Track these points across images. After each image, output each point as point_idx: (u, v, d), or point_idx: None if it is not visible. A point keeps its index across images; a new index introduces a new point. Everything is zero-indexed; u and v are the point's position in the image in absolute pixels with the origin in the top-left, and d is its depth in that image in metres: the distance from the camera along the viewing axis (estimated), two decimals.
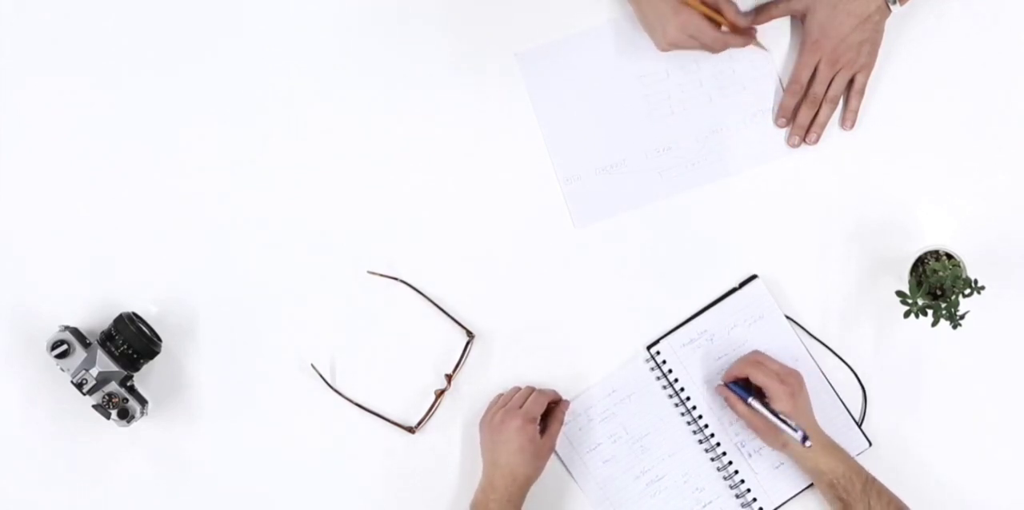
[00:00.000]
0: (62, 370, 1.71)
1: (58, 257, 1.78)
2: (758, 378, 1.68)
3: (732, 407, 1.71)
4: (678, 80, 1.78)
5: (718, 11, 1.68)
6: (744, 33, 1.72)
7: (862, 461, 1.70)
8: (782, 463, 1.75)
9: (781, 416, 1.66)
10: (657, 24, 1.69)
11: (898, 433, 1.76)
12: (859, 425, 1.76)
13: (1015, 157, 1.77)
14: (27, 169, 1.78)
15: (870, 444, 1.75)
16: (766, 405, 1.67)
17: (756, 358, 1.72)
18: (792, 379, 1.68)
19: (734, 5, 1.69)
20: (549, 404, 1.73)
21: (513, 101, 1.77)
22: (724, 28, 1.70)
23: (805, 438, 1.64)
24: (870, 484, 1.66)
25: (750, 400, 1.68)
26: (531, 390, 1.74)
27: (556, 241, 1.77)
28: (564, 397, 1.76)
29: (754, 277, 1.77)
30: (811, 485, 1.75)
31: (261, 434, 1.77)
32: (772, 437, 1.69)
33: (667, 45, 1.69)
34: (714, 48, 1.70)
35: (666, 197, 1.78)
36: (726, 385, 1.72)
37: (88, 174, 1.78)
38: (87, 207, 1.78)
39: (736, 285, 1.77)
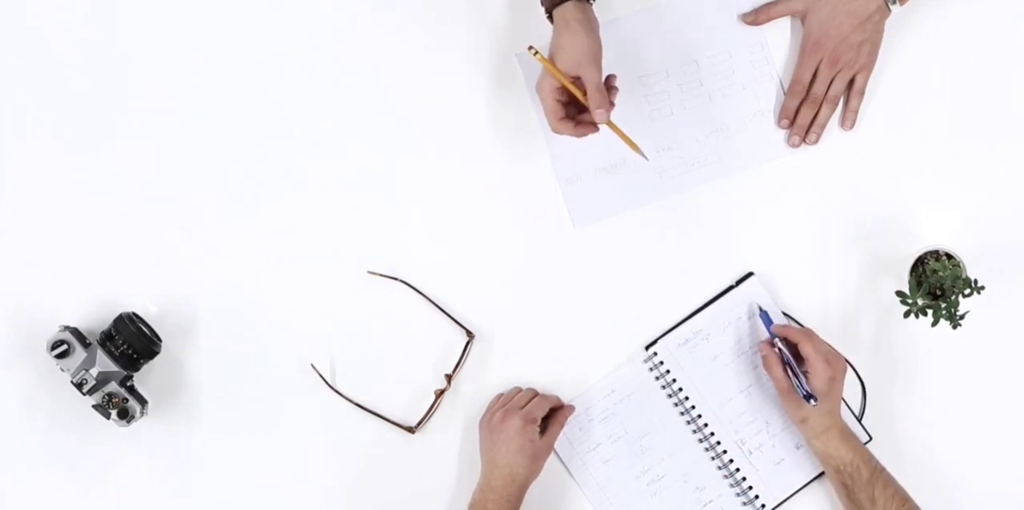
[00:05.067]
0: (62, 370, 1.71)
1: (58, 257, 1.78)
2: (807, 350, 1.68)
3: (768, 368, 1.71)
4: (678, 80, 1.78)
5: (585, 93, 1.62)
6: (585, 128, 1.64)
7: None
8: (783, 459, 1.76)
9: (800, 374, 1.67)
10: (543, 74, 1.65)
11: (898, 428, 1.77)
12: (859, 419, 1.76)
13: (1015, 157, 1.77)
14: (27, 169, 1.78)
15: (870, 438, 1.76)
16: (797, 366, 1.69)
17: (810, 332, 1.72)
18: (837, 364, 1.69)
19: (600, 96, 1.60)
20: (552, 408, 1.74)
21: (513, 101, 1.78)
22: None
23: (810, 397, 1.66)
24: (877, 474, 1.67)
25: (776, 340, 1.70)
26: (533, 391, 1.75)
27: (556, 241, 1.78)
28: (568, 403, 1.76)
29: (750, 275, 1.77)
30: (814, 480, 1.76)
31: (261, 434, 1.77)
32: (795, 408, 1.69)
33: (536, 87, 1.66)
34: (551, 128, 1.65)
35: (666, 197, 1.78)
36: (771, 342, 1.72)
37: (88, 174, 1.78)
38: (87, 207, 1.78)
39: (732, 283, 1.77)
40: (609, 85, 1.64)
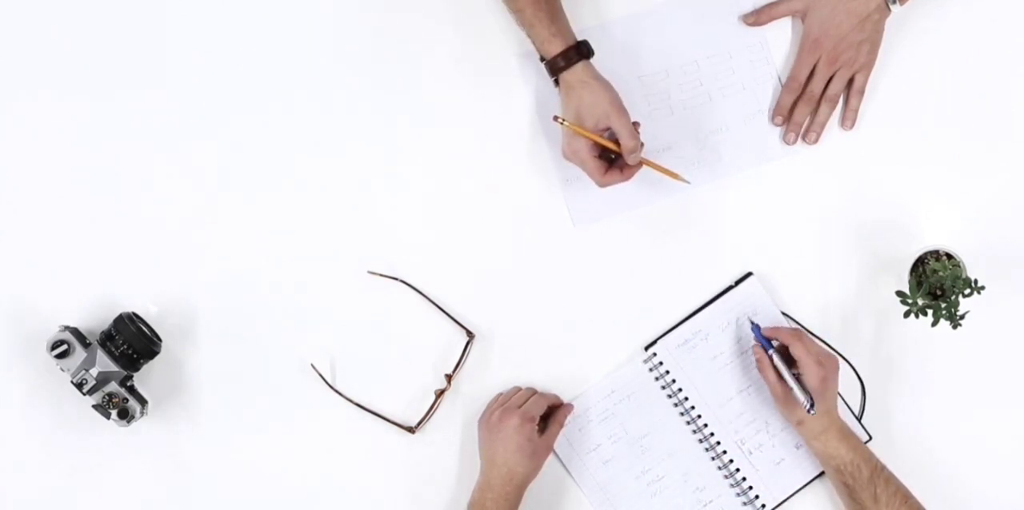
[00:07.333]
0: (62, 370, 1.71)
1: (58, 257, 1.78)
2: (798, 351, 1.68)
3: (762, 372, 1.71)
4: (678, 80, 1.78)
5: (616, 141, 1.66)
6: (631, 170, 1.68)
7: None
8: (783, 459, 1.76)
9: (797, 381, 1.67)
10: (564, 133, 1.69)
11: (897, 427, 1.77)
12: (859, 419, 1.76)
13: (1015, 157, 1.77)
14: (27, 169, 1.78)
15: (870, 437, 1.76)
16: (790, 370, 1.68)
17: (800, 333, 1.71)
18: (829, 364, 1.69)
19: (633, 141, 1.64)
20: (552, 407, 1.74)
21: (514, 102, 1.78)
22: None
23: (811, 406, 1.66)
24: (878, 472, 1.67)
25: (771, 352, 1.69)
26: (531, 390, 1.75)
27: (556, 241, 1.78)
28: (567, 402, 1.76)
29: (749, 275, 1.77)
30: (814, 480, 1.76)
31: (261, 434, 1.77)
32: (791, 411, 1.69)
33: (564, 155, 1.70)
34: (598, 184, 1.69)
35: (665, 197, 1.78)
36: (762, 346, 1.71)
37: (88, 174, 1.78)
38: (87, 207, 1.78)
39: (732, 283, 1.77)
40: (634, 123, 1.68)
